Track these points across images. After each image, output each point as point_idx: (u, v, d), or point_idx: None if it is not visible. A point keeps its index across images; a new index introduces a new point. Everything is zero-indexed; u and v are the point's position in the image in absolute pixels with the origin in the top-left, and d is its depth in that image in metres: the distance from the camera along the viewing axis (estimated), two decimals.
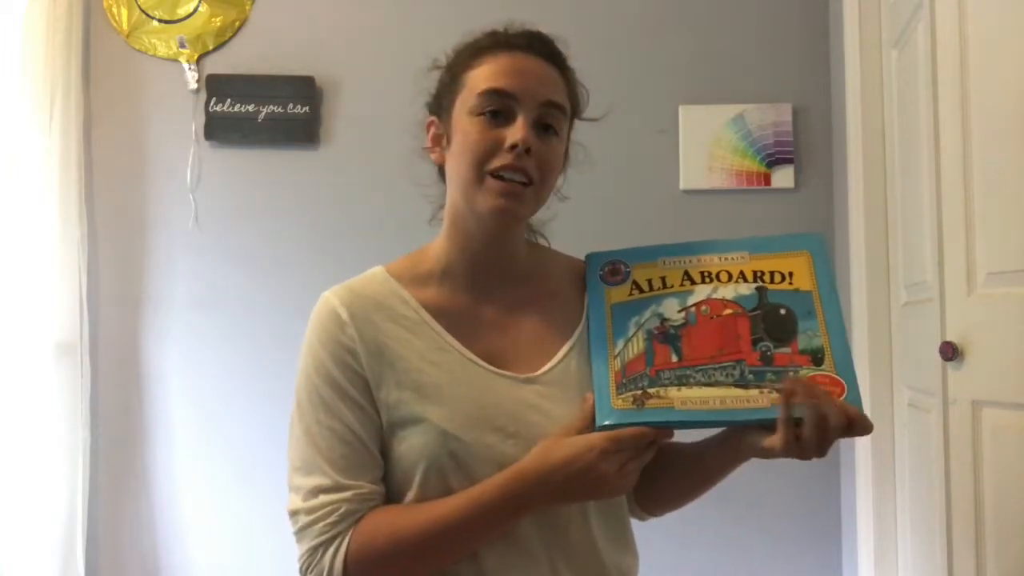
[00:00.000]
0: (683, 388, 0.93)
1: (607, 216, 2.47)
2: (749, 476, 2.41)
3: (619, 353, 0.98)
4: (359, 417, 0.96)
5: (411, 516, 0.94)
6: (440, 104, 1.03)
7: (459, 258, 1.03)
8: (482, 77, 0.98)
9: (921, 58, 1.83)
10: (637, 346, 0.98)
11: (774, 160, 2.50)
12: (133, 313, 2.59)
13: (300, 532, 0.95)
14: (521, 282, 1.06)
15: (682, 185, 2.52)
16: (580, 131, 1.07)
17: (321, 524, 0.93)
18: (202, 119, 2.59)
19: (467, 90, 0.99)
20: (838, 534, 2.46)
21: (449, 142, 1.01)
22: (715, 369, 0.94)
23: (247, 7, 2.63)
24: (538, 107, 0.98)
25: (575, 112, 1.06)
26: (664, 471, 1.09)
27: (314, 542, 0.94)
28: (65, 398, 2.44)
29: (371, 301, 1.00)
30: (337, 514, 0.93)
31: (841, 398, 0.90)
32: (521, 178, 0.96)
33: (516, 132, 0.95)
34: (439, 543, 0.92)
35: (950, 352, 1.59)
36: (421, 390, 0.96)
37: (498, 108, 0.96)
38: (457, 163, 0.98)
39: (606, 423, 0.93)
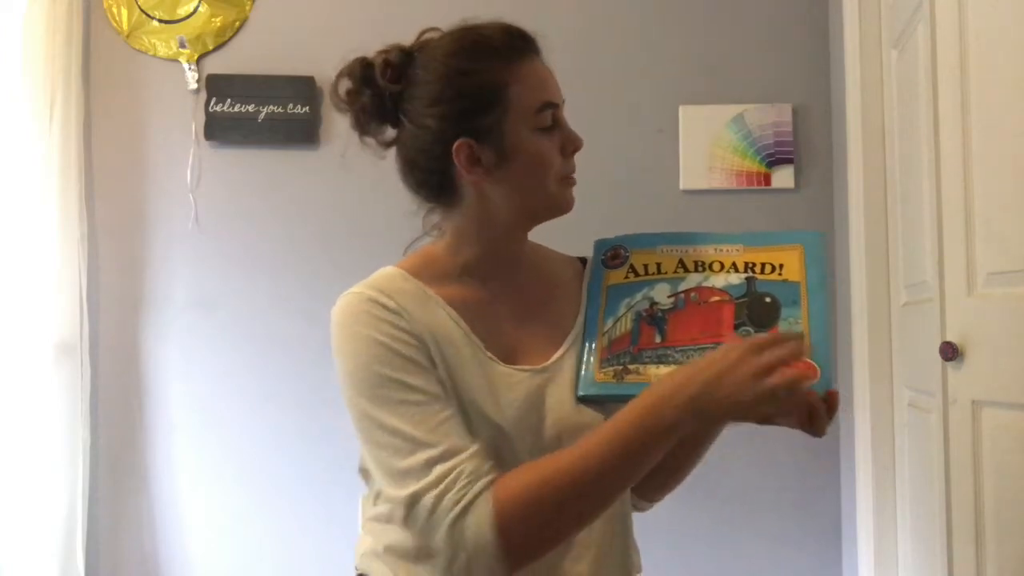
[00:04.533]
0: (661, 366, 0.97)
1: (607, 216, 2.45)
2: (749, 476, 2.44)
3: (607, 331, 1.02)
4: (439, 387, 0.93)
5: (554, 460, 0.87)
6: (474, 125, 0.98)
7: (481, 256, 1.04)
8: (531, 92, 0.99)
9: (921, 58, 1.83)
10: (625, 325, 1.02)
11: (774, 160, 2.50)
12: (133, 313, 2.59)
13: (431, 516, 0.85)
14: (529, 276, 1.08)
15: (682, 185, 2.52)
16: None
17: (451, 494, 0.84)
18: (202, 119, 2.59)
19: (517, 108, 0.98)
20: (838, 534, 2.46)
21: (505, 161, 0.98)
22: (694, 350, 0.97)
23: (247, 7, 2.63)
24: (562, 105, 1.03)
25: None
26: None
27: (450, 517, 0.83)
28: (65, 398, 2.44)
29: (403, 296, 0.97)
30: (464, 477, 0.85)
31: (813, 382, 0.91)
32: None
33: (574, 137, 1.02)
34: (592, 479, 0.85)
35: (950, 352, 1.59)
36: (463, 384, 0.96)
37: (554, 119, 1.01)
38: (529, 179, 1.00)
39: (585, 394, 0.99)
